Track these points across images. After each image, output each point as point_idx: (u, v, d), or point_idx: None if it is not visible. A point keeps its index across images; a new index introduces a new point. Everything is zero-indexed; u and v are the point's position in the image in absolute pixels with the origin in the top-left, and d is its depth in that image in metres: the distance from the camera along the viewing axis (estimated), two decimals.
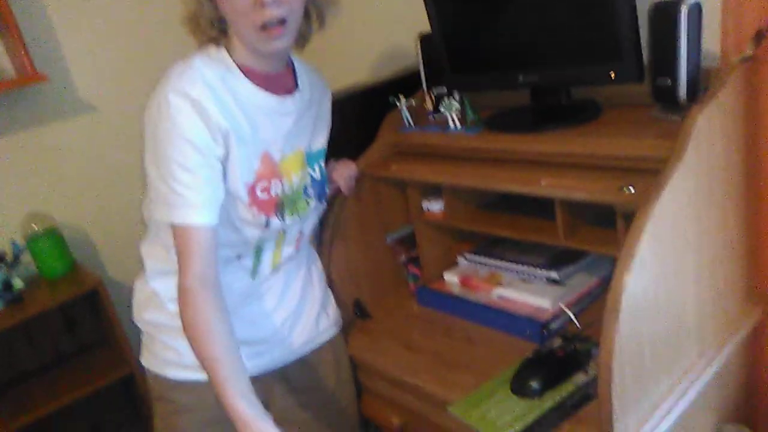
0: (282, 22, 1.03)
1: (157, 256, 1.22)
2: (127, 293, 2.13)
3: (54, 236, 2.06)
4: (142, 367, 1.29)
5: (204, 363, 1.02)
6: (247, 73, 1.10)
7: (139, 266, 1.29)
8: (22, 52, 1.94)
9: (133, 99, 2.27)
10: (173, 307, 1.19)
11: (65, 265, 2.07)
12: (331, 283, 1.44)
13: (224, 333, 1.04)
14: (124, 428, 2.15)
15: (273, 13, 1.02)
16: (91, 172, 2.26)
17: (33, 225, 2.04)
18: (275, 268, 1.24)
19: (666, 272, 1.00)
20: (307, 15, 1.12)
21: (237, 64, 1.10)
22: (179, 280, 1.06)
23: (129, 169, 2.28)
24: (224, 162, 1.08)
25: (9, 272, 1.96)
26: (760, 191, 1.22)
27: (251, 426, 0.95)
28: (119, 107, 2.27)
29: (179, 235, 1.06)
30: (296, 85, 1.19)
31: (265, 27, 1.03)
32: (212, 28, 1.08)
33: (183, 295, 1.04)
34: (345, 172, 1.41)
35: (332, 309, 1.39)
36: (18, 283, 1.95)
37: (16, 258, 2.00)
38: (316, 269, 1.38)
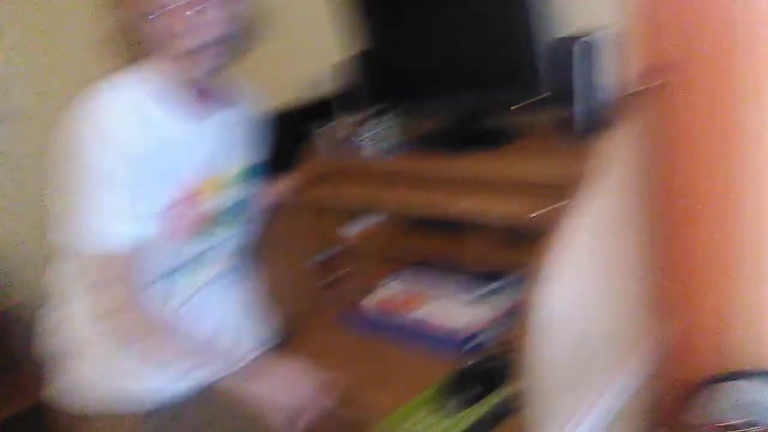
0: (214, 43, 1.03)
1: (71, 278, 1.16)
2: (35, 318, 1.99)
3: None
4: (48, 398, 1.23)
5: (175, 357, 1.09)
6: (167, 95, 1.07)
7: (48, 292, 1.22)
8: None
9: (51, 112, 2.16)
10: (89, 329, 1.15)
11: None
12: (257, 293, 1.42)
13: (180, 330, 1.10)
14: None
15: (193, 40, 1.02)
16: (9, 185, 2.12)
17: None
18: (208, 285, 1.22)
19: (577, 289, 1.06)
20: (235, 37, 1.11)
21: (155, 86, 1.07)
22: (109, 305, 1.04)
23: (36, 193, 2.16)
24: (141, 185, 1.04)
25: None
26: (665, 211, 1.30)
27: (269, 368, 1.13)
28: (40, 118, 2.15)
29: (100, 261, 1.03)
30: (221, 102, 1.18)
31: (194, 51, 1.03)
32: (128, 51, 1.06)
33: (128, 313, 1.05)
34: (271, 191, 1.40)
35: (267, 320, 1.38)
36: None
37: None
38: (248, 285, 1.36)
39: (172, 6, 1.00)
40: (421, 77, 1.42)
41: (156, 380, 1.19)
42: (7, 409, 1.87)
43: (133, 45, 1.06)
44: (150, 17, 1.01)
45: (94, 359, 1.16)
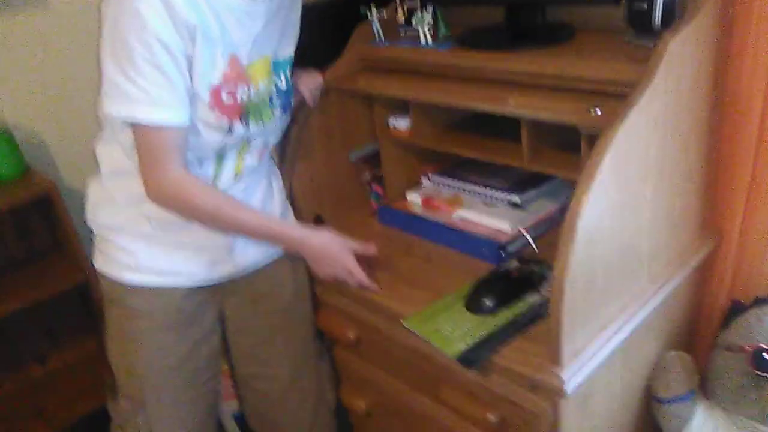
0: None
1: (113, 156, 1.18)
2: (82, 198, 2.07)
3: (4, 137, 1.97)
4: (95, 273, 1.27)
5: (233, 227, 1.17)
6: None
7: (94, 167, 1.24)
8: None
9: None
10: (130, 209, 1.18)
11: (17, 168, 1.99)
12: (292, 198, 1.42)
13: (229, 196, 1.17)
14: (78, 334, 2.14)
15: None
16: (44, 70, 2.14)
17: None
18: (237, 179, 1.22)
19: (624, 198, 1.01)
20: None
21: None
22: (152, 181, 1.07)
23: (85, 68, 2.17)
24: (190, 59, 1.03)
25: None
26: (723, 123, 1.22)
27: (307, 241, 1.21)
28: (72, 2, 2.14)
29: (148, 134, 1.04)
30: None
31: None
32: None
33: (173, 186, 1.07)
34: (310, 82, 1.37)
35: (290, 214, 1.39)
36: None
37: None
38: (277, 183, 1.36)
39: None
40: None
41: (200, 258, 1.22)
42: (57, 286, 1.96)
43: None
44: None
45: (136, 234, 1.19)
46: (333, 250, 1.22)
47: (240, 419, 1.69)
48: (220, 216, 1.13)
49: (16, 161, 2.00)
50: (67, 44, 2.16)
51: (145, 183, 1.08)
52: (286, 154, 1.42)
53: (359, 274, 1.23)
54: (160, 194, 1.09)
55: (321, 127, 1.46)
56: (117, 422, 1.33)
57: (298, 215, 1.42)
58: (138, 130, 1.04)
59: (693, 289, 1.34)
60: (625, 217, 1.03)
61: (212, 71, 1.06)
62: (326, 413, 1.49)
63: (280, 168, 1.40)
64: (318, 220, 1.49)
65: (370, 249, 1.27)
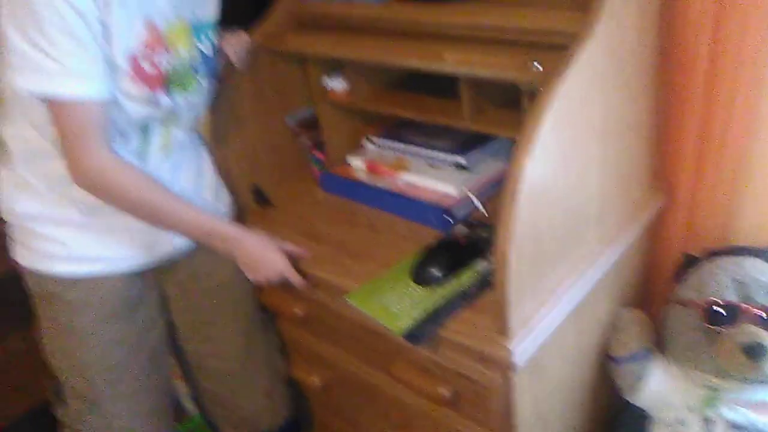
0: None
1: (24, 137, 1.07)
2: None
3: None
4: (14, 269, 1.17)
5: (162, 218, 1.08)
6: None
7: (5, 151, 1.13)
8: None
9: None
10: (52, 195, 1.08)
11: None
12: (227, 168, 1.33)
13: (162, 184, 1.07)
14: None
15: None
16: None
17: None
18: (165, 153, 1.13)
19: (569, 156, 0.95)
20: None
21: None
22: (76, 165, 0.99)
23: None
24: (105, 25, 0.93)
25: None
26: (670, 73, 1.17)
27: (242, 239, 1.14)
28: None
29: (67, 110, 0.94)
30: None
31: None
32: None
33: (96, 171, 1.00)
34: (237, 43, 1.26)
35: (225, 196, 1.30)
36: None
37: None
38: (206, 155, 1.27)
39: None
40: None
41: (136, 241, 1.14)
42: None
43: None
44: None
45: (62, 222, 1.10)
46: (267, 254, 1.15)
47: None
48: (152, 208, 1.06)
49: None
50: None
51: (69, 166, 0.99)
52: (217, 121, 1.32)
53: (294, 277, 1.17)
54: (86, 179, 1.00)
55: (252, 91, 1.36)
56: (68, 425, 1.25)
57: (234, 185, 1.34)
58: (55, 106, 0.94)
59: (645, 246, 1.31)
60: (570, 176, 0.97)
61: (130, 38, 0.97)
62: (280, 385, 1.44)
63: (212, 138, 1.30)
64: (256, 191, 1.41)
65: (304, 254, 1.20)
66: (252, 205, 1.40)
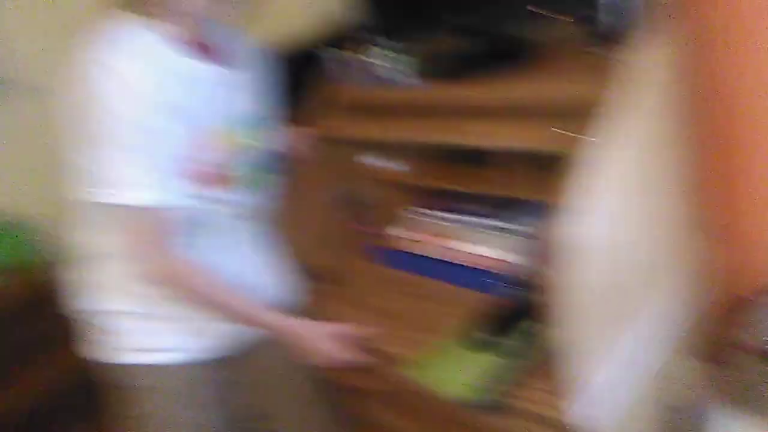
0: None
1: (93, 241, 1.15)
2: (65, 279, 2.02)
3: (6, 228, 1.98)
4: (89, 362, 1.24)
5: (226, 313, 1.13)
6: (182, 42, 1.03)
7: (74, 254, 1.21)
8: None
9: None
10: (120, 291, 1.15)
11: (11, 253, 2.00)
12: (287, 250, 1.40)
13: (225, 281, 1.12)
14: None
15: None
16: (32, 157, 2.14)
17: None
18: (235, 244, 1.21)
19: (611, 216, 0.98)
20: None
21: (169, 34, 1.01)
22: (146, 265, 1.05)
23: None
24: (167, 135, 1.00)
25: None
26: (705, 125, 1.19)
27: (300, 330, 1.16)
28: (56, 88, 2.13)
29: (136, 216, 1.01)
30: (229, 54, 1.12)
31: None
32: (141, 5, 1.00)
33: (163, 270, 1.06)
34: (303, 137, 1.34)
35: (289, 280, 1.37)
36: None
37: None
38: (271, 242, 1.34)
39: None
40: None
41: (203, 330, 1.20)
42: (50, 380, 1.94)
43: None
44: None
45: (128, 315, 1.17)
46: (325, 342, 1.19)
47: None
48: (215, 302, 1.12)
49: (10, 247, 2.01)
50: (53, 132, 2.15)
51: (139, 265, 1.06)
52: (277, 207, 1.39)
53: (351, 358, 1.19)
54: (155, 276, 1.07)
55: (304, 174, 1.43)
56: None
57: (292, 265, 1.40)
58: (124, 212, 1.01)
59: (698, 292, 1.31)
60: (613, 236, 1.00)
61: (182, 142, 1.04)
62: None
63: (274, 223, 1.38)
64: (310, 269, 1.47)
65: (358, 331, 1.23)
66: (309, 282, 1.46)
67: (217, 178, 1.10)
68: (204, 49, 1.08)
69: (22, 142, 2.10)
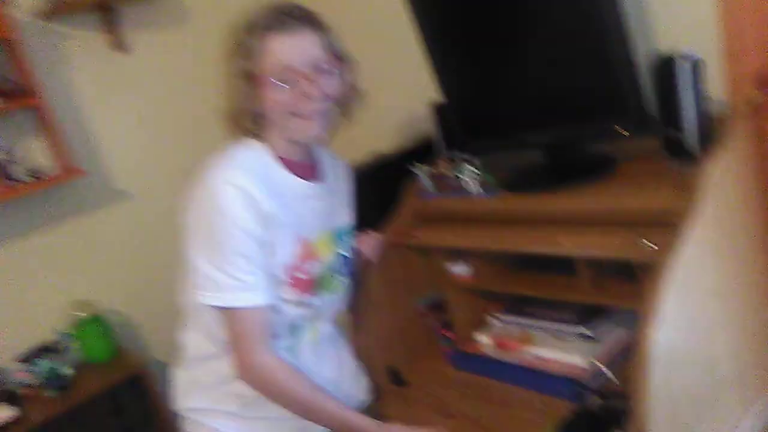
0: (320, 113, 1.12)
1: (197, 342, 1.26)
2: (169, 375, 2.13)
3: (98, 323, 2.13)
4: None
5: (311, 413, 1.18)
6: (282, 161, 1.17)
7: (178, 354, 1.32)
8: (63, 150, 2.07)
9: (163, 186, 2.38)
10: (218, 391, 1.24)
11: (110, 350, 2.13)
12: (364, 353, 1.45)
13: (311, 381, 1.18)
14: None
15: (314, 105, 1.11)
16: (130, 257, 2.34)
17: (78, 313, 2.11)
18: (312, 347, 1.27)
19: (693, 323, 1.00)
20: (338, 109, 1.20)
21: (272, 155, 1.16)
22: (243, 363, 1.13)
23: (165, 251, 2.35)
24: (268, 244, 1.13)
25: (58, 361, 2.03)
26: None
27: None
28: (153, 194, 2.38)
29: (238, 318, 1.12)
30: (323, 170, 1.26)
31: (306, 116, 1.11)
32: (250, 122, 1.15)
33: (259, 370, 1.13)
34: (371, 241, 1.45)
35: (363, 382, 1.42)
36: (67, 371, 2.01)
37: (65, 346, 2.07)
38: (346, 345, 1.41)
39: (300, 73, 1.09)
40: (513, 115, 1.42)
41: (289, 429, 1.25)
42: None
43: (253, 118, 1.14)
44: (278, 86, 1.09)
45: (227, 415, 1.24)
46: None
47: None
48: (306, 406, 1.17)
49: (108, 344, 2.14)
50: (149, 233, 2.38)
51: (237, 365, 1.14)
52: (355, 310, 1.47)
53: None
54: (250, 375, 1.14)
55: (385, 281, 1.52)
56: None
57: (371, 368, 1.45)
58: (229, 314, 1.12)
59: None
60: (697, 340, 1.01)
61: (287, 252, 1.16)
62: None
63: (350, 326, 1.45)
64: (391, 372, 1.51)
65: None
66: (388, 385, 1.50)
67: (309, 284, 1.20)
68: (307, 167, 1.22)
69: (113, 242, 2.31)
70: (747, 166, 1.13)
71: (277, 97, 1.10)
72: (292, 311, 1.19)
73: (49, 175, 2.12)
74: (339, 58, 1.16)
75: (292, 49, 1.09)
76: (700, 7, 1.23)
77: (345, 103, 1.20)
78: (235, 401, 1.23)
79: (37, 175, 2.09)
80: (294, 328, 1.23)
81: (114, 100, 2.31)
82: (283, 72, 1.09)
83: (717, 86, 1.22)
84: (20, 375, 2.04)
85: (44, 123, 2.07)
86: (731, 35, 1.18)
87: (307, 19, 1.12)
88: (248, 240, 1.09)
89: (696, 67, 1.11)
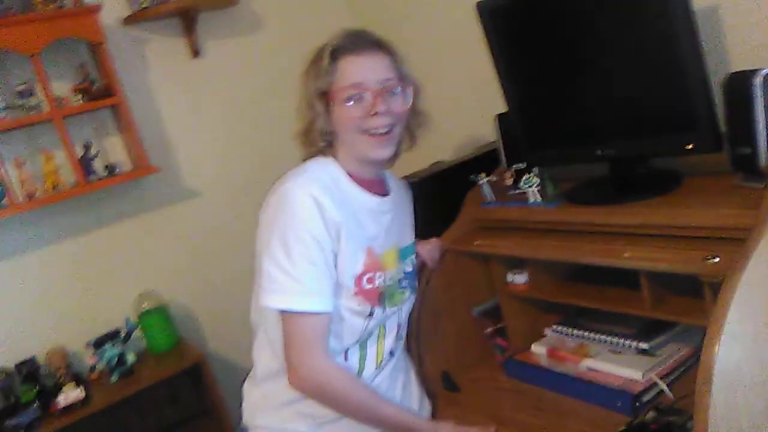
0: (388, 131, 1.18)
1: (266, 358, 1.29)
2: (228, 367, 2.25)
3: (162, 314, 2.22)
4: None
5: (370, 416, 1.20)
6: (352, 178, 1.23)
7: (252, 370, 1.35)
8: (139, 148, 2.18)
9: (230, 186, 2.47)
10: (286, 409, 1.26)
11: (171, 340, 2.22)
12: (420, 357, 1.48)
13: (369, 386, 1.23)
14: None
15: (382, 121, 1.16)
16: (195, 253, 2.44)
17: (144, 303, 2.21)
18: (378, 366, 1.30)
19: (758, 341, 0.99)
20: (405, 131, 1.25)
21: (343, 171, 1.22)
22: (299, 371, 1.15)
23: (229, 249, 2.45)
24: (336, 254, 1.17)
25: (123, 348, 2.12)
26: None
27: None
28: (219, 194, 2.47)
29: (297, 321, 1.15)
30: (388, 188, 1.31)
31: (374, 134, 1.17)
32: (322, 140, 1.21)
33: (315, 377, 1.15)
34: (430, 247, 1.48)
35: (427, 404, 1.45)
36: (131, 358, 2.11)
37: (129, 334, 2.17)
38: (411, 365, 1.44)
39: (370, 90, 1.15)
40: (580, 127, 1.43)
41: None
42: None
43: (324, 135, 1.20)
44: (348, 103, 1.16)
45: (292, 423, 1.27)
46: None
47: None
48: (362, 408, 1.20)
49: (170, 335, 2.23)
50: (214, 229, 2.47)
51: (291, 369, 1.16)
52: (412, 315, 1.50)
53: None
54: (306, 382, 1.16)
55: (443, 287, 1.54)
56: None
57: (426, 372, 1.47)
58: (289, 318, 1.16)
59: None
60: (761, 360, 0.99)
61: (354, 262, 1.20)
62: None
63: (408, 332, 1.47)
64: (446, 377, 1.53)
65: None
66: (442, 390, 1.52)
67: (375, 294, 1.24)
68: (375, 184, 1.27)
69: (180, 237, 2.40)
70: None
71: (347, 113, 1.16)
72: (358, 322, 1.23)
73: (124, 171, 2.24)
74: (406, 80, 1.21)
75: (362, 68, 1.16)
76: None
77: (411, 125, 1.25)
78: (306, 421, 1.25)
79: (113, 171, 2.20)
80: (362, 345, 1.27)
81: (188, 102, 2.42)
82: (353, 89, 1.15)
83: None
84: (89, 360, 2.14)
85: (123, 121, 2.18)
86: None
87: (377, 43, 1.19)
88: (316, 247, 1.13)
89: (767, 83, 1.11)
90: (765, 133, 1.11)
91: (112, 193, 2.26)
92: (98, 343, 2.14)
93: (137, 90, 2.30)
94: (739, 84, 1.13)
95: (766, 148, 1.12)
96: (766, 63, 1.14)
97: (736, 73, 1.15)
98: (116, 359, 2.10)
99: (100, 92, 2.13)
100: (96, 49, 2.12)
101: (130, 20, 2.24)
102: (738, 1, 1.32)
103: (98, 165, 2.19)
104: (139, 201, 2.33)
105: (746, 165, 1.15)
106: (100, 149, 2.23)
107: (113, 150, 2.28)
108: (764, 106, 1.11)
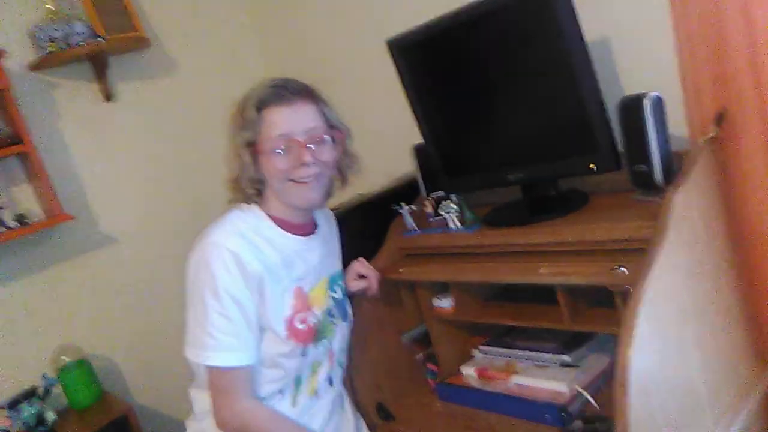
0: (316, 178, 1.19)
1: (202, 398, 1.27)
2: (156, 416, 2.17)
3: (83, 367, 2.12)
4: None
5: None
6: (279, 222, 1.23)
7: (189, 408, 1.34)
8: (51, 196, 2.10)
9: (152, 232, 2.41)
10: None
11: (94, 394, 2.12)
12: (353, 388, 1.48)
13: (293, 421, 1.22)
14: None
15: (310, 171, 1.18)
16: (116, 302, 2.35)
17: (63, 357, 2.11)
18: (312, 396, 1.30)
19: (668, 344, 1.05)
20: (337, 173, 1.27)
21: (270, 216, 1.23)
22: (221, 414, 1.17)
23: (152, 297, 2.37)
24: (259, 306, 1.17)
25: (42, 406, 2.01)
26: (747, 256, 1.29)
27: None
28: (138, 239, 2.40)
29: (217, 375, 1.16)
30: (317, 223, 1.33)
31: (302, 182, 1.18)
32: (251, 188, 1.22)
33: (238, 417, 1.16)
34: (365, 281, 1.46)
35: (363, 427, 1.46)
36: (50, 416, 1.99)
37: (47, 391, 2.06)
38: (347, 397, 1.44)
39: (296, 141, 1.16)
40: (491, 155, 1.50)
41: None
42: None
43: (253, 184, 1.21)
44: (275, 154, 1.16)
45: None
46: None
47: None
48: None
49: (92, 388, 2.13)
50: (134, 277, 2.39)
51: (215, 411, 1.18)
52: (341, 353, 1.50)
53: None
54: (229, 424, 1.18)
55: (371, 317, 1.56)
56: None
57: (361, 404, 1.47)
58: (208, 369, 1.17)
59: (762, 417, 1.31)
60: (673, 362, 1.06)
61: (282, 306, 1.21)
62: None
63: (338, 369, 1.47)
64: (380, 407, 1.54)
65: None
66: (377, 420, 1.52)
67: (309, 333, 1.24)
68: (303, 225, 1.28)
69: (98, 287, 2.32)
70: (711, 195, 1.21)
71: (274, 164, 1.17)
72: (291, 363, 1.23)
73: (36, 221, 2.15)
74: (333, 126, 1.23)
75: (288, 119, 1.17)
76: (661, 51, 1.34)
77: (341, 169, 1.27)
78: None
79: (24, 221, 2.11)
80: (297, 381, 1.27)
81: (103, 147, 2.36)
82: (281, 140, 1.16)
83: (681, 123, 1.31)
84: (2, 422, 2.01)
85: (33, 169, 2.10)
86: (689, 75, 1.28)
87: (303, 92, 1.19)
88: (232, 304, 1.14)
89: (658, 105, 1.21)
90: (658, 151, 1.21)
91: (25, 243, 2.16)
92: (12, 404, 2.01)
93: (48, 136, 2.22)
94: (632, 107, 1.22)
95: (661, 164, 1.21)
96: (654, 87, 1.24)
97: (628, 96, 1.24)
98: (35, 419, 1.98)
99: (7, 140, 2.05)
100: (0, 95, 2.05)
101: (37, 66, 2.17)
102: (626, 33, 1.43)
103: (7, 215, 2.09)
104: (54, 250, 2.23)
105: (644, 181, 1.24)
106: (9, 199, 2.13)
107: (25, 199, 2.18)
108: (655, 126, 1.20)
